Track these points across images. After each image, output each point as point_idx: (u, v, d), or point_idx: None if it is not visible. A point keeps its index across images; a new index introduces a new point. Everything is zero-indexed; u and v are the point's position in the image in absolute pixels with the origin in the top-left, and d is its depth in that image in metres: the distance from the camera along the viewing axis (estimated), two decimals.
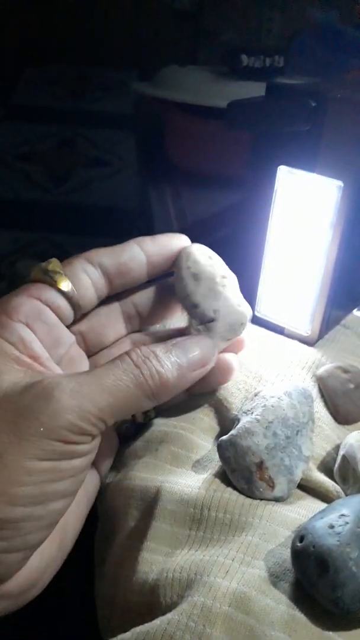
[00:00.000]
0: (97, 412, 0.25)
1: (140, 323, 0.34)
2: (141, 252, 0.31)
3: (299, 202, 0.35)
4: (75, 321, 0.31)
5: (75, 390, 0.25)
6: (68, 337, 0.31)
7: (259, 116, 0.35)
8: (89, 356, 0.33)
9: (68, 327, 0.31)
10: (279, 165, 0.35)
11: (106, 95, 1.59)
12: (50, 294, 0.29)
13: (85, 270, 0.30)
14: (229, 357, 0.33)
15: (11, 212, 1.09)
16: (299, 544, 0.24)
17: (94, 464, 0.30)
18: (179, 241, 0.32)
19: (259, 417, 0.29)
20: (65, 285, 0.29)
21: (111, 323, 0.33)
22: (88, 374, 0.26)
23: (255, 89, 0.38)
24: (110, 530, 0.31)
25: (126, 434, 0.33)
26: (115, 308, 0.33)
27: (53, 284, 0.29)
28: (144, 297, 0.33)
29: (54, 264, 0.30)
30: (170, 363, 0.28)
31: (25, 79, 1.65)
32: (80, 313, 0.31)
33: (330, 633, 0.23)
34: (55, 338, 0.30)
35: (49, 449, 0.24)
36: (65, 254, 0.31)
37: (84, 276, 0.30)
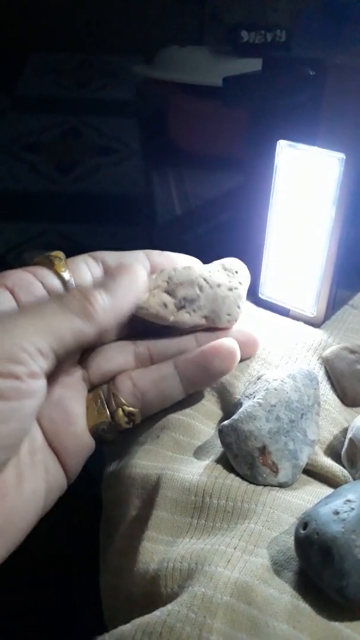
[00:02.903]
0: (24, 336, 0.24)
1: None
2: (146, 260, 0.31)
3: (301, 178, 0.34)
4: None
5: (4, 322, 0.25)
6: None
7: (255, 90, 0.33)
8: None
9: None
10: (278, 139, 0.34)
11: (111, 82, 1.57)
12: (46, 273, 0.30)
13: (86, 262, 0.31)
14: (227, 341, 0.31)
15: (18, 204, 1.09)
16: (302, 532, 0.23)
17: (61, 462, 0.28)
18: (188, 260, 0.32)
19: (261, 401, 0.28)
20: (62, 270, 0.30)
21: (119, 359, 0.31)
22: (12, 312, 0.27)
23: (257, 66, 0.37)
24: (113, 519, 0.31)
25: (104, 436, 0.30)
26: (129, 348, 0.31)
27: (51, 267, 0.30)
28: (159, 344, 0.31)
29: (57, 252, 0.31)
30: (99, 286, 0.28)
31: (30, 68, 1.64)
32: None
33: (336, 624, 0.22)
34: None
35: None
36: (73, 244, 0.31)
37: (83, 267, 0.30)
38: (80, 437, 0.29)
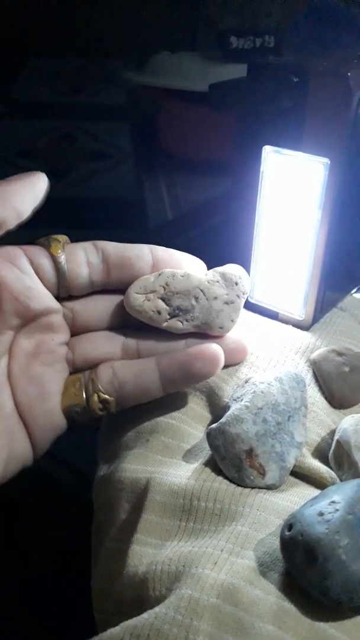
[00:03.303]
0: None
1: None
2: (150, 255, 0.31)
3: (287, 182, 0.34)
4: (62, 298, 0.31)
5: None
6: (47, 298, 0.30)
7: (240, 96, 0.34)
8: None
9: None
10: (263, 145, 0.34)
11: (105, 88, 1.58)
12: (37, 251, 0.30)
13: (85, 249, 0.31)
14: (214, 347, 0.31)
15: None
16: (287, 533, 0.23)
17: (30, 435, 0.29)
18: (191, 262, 0.32)
19: (248, 404, 0.29)
20: (56, 251, 0.30)
21: (105, 348, 0.32)
22: None
23: (245, 71, 0.37)
24: (104, 523, 0.31)
25: (77, 419, 0.30)
26: (117, 340, 0.32)
27: (46, 247, 0.30)
28: (149, 341, 0.32)
29: (61, 236, 0.31)
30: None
31: (24, 74, 1.65)
32: (66, 287, 0.30)
33: (321, 624, 0.22)
34: (25, 287, 0.29)
35: None
36: None
37: (80, 252, 0.30)
38: (51, 414, 0.30)
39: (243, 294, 0.32)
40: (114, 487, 0.30)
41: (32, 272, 0.29)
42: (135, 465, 0.30)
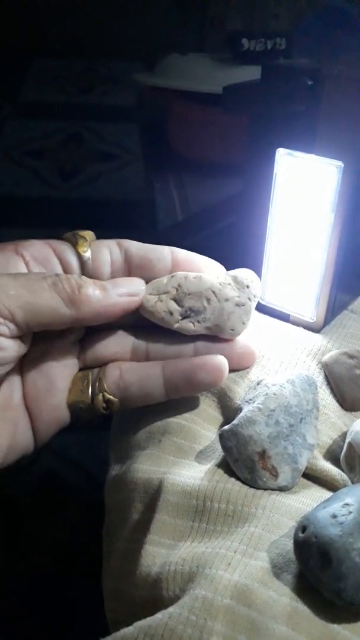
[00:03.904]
0: (4, 298, 0.26)
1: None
2: (170, 258, 0.32)
3: (300, 185, 0.35)
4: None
5: None
6: None
7: (254, 99, 0.34)
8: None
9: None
10: (277, 147, 0.34)
11: (113, 89, 1.58)
12: (65, 250, 0.30)
13: (109, 247, 0.31)
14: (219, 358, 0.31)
15: (20, 209, 1.10)
16: (301, 535, 0.23)
17: (33, 426, 0.30)
18: (211, 266, 0.32)
19: (260, 406, 0.29)
20: (83, 250, 0.30)
21: (116, 347, 0.32)
22: (5, 274, 0.27)
23: (257, 73, 0.37)
24: (116, 523, 0.31)
25: (80, 415, 0.31)
26: (128, 340, 0.32)
27: (74, 244, 0.30)
28: (158, 344, 0.32)
29: (87, 232, 0.31)
30: (94, 282, 0.29)
31: (32, 75, 1.65)
32: None
33: (334, 625, 0.22)
34: None
35: None
36: None
37: (105, 251, 0.31)
38: (56, 408, 0.30)
39: (254, 297, 0.32)
40: (127, 487, 0.30)
41: (61, 270, 0.30)
42: (147, 465, 0.30)
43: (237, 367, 0.33)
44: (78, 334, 0.32)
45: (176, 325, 0.31)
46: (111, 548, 0.31)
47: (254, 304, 0.32)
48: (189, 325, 0.31)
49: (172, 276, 0.31)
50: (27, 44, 1.71)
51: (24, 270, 0.29)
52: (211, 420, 0.32)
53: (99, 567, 0.32)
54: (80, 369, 0.32)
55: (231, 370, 0.32)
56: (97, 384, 0.31)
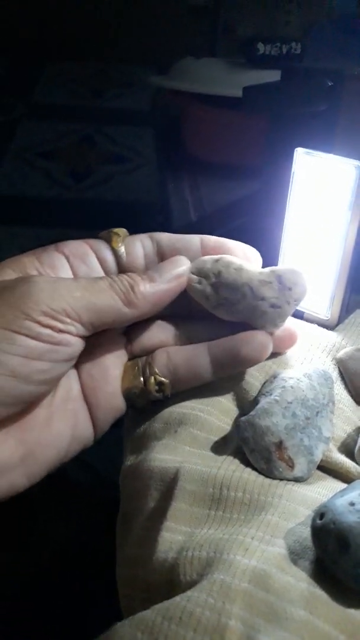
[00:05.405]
0: (71, 300, 0.27)
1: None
2: (199, 245, 0.33)
3: (317, 184, 0.35)
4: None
5: (50, 282, 0.28)
6: None
7: (275, 99, 0.34)
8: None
9: None
10: (295, 147, 0.35)
11: (126, 92, 1.59)
12: (102, 247, 0.32)
13: (142, 242, 0.33)
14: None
15: (33, 210, 1.11)
16: (319, 522, 0.24)
17: (92, 416, 0.31)
18: (243, 250, 0.33)
19: (277, 398, 0.29)
20: (117, 245, 0.32)
21: (160, 335, 0.33)
22: (68, 278, 0.29)
23: (272, 77, 0.38)
24: (131, 512, 0.32)
25: (135, 401, 0.32)
26: (170, 328, 0.33)
27: (108, 241, 0.32)
28: (198, 330, 0.33)
29: (120, 230, 0.33)
30: (143, 277, 0.30)
31: (46, 77, 1.67)
32: None
33: (352, 610, 0.22)
34: None
35: (27, 326, 0.26)
36: None
37: (138, 245, 0.32)
38: (112, 396, 0.31)
39: (295, 300, 0.31)
40: (143, 476, 0.31)
41: (99, 267, 0.32)
42: (164, 455, 0.31)
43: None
44: (121, 327, 0.33)
45: (212, 310, 0.32)
46: (126, 536, 0.31)
47: (292, 308, 0.31)
48: (222, 313, 0.32)
49: (217, 260, 0.31)
50: (41, 46, 1.73)
51: (67, 265, 0.31)
52: (227, 412, 0.33)
53: (109, 563, 0.32)
54: (129, 359, 0.33)
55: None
56: (147, 368, 0.32)
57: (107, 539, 0.34)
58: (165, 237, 0.32)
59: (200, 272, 0.31)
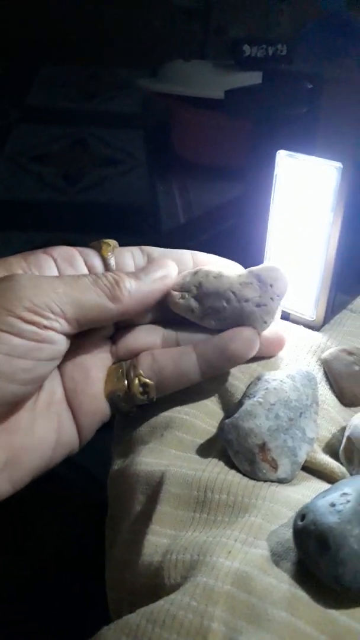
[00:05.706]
0: (54, 296, 0.27)
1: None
2: (190, 261, 0.33)
3: (300, 186, 0.35)
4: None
5: (33, 279, 0.28)
6: None
7: (256, 102, 0.35)
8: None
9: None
10: (278, 150, 0.35)
11: (118, 95, 1.60)
12: (90, 254, 0.32)
13: (132, 253, 0.33)
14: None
15: (25, 214, 1.11)
16: (300, 523, 0.24)
17: (76, 421, 0.31)
18: (228, 267, 0.33)
19: (261, 400, 0.29)
20: (106, 253, 0.32)
21: (146, 339, 0.33)
22: (52, 275, 0.29)
23: (259, 79, 0.38)
24: (118, 515, 0.32)
25: (119, 404, 0.31)
26: (158, 332, 0.33)
27: (97, 249, 0.32)
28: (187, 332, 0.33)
29: (110, 240, 0.33)
30: (128, 275, 0.30)
31: (38, 81, 1.67)
32: None
33: (333, 611, 0.23)
34: None
35: (10, 323, 0.26)
36: None
37: (128, 256, 0.33)
38: (95, 399, 0.31)
39: (277, 296, 0.31)
40: (129, 479, 0.31)
41: (87, 271, 0.31)
42: (150, 458, 0.31)
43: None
44: (109, 329, 0.33)
45: (200, 322, 0.32)
46: (114, 539, 0.31)
47: (276, 303, 0.31)
48: (210, 323, 0.32)
49: (195, 273, 0.32)
50: (34, 50, 1.73)
51: (54, 267, 0.31)
52: (212, 415, 0.33)
53: (102, 565, 0.32)
54: (113, 363, 0.33)
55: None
56: (131, 370, 0.31)
57: (102, 541, 0.34)
58: (156, 251, 0.32)
59: (182, 288, 0.31)
